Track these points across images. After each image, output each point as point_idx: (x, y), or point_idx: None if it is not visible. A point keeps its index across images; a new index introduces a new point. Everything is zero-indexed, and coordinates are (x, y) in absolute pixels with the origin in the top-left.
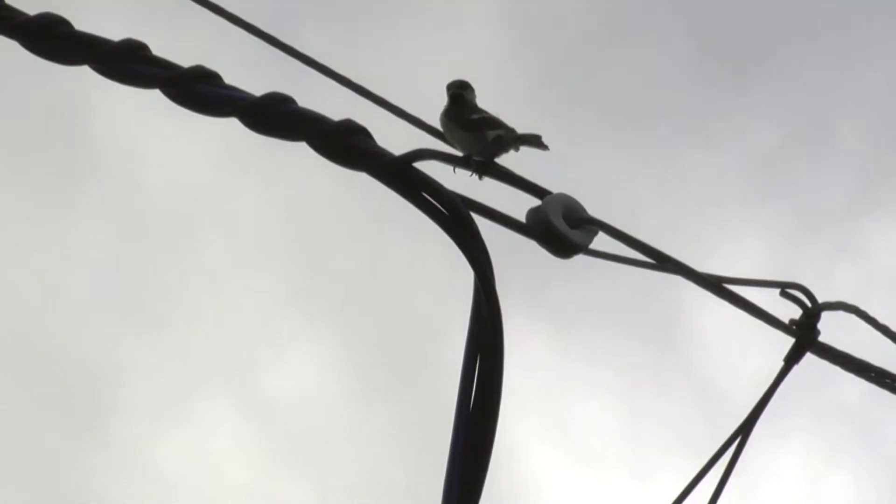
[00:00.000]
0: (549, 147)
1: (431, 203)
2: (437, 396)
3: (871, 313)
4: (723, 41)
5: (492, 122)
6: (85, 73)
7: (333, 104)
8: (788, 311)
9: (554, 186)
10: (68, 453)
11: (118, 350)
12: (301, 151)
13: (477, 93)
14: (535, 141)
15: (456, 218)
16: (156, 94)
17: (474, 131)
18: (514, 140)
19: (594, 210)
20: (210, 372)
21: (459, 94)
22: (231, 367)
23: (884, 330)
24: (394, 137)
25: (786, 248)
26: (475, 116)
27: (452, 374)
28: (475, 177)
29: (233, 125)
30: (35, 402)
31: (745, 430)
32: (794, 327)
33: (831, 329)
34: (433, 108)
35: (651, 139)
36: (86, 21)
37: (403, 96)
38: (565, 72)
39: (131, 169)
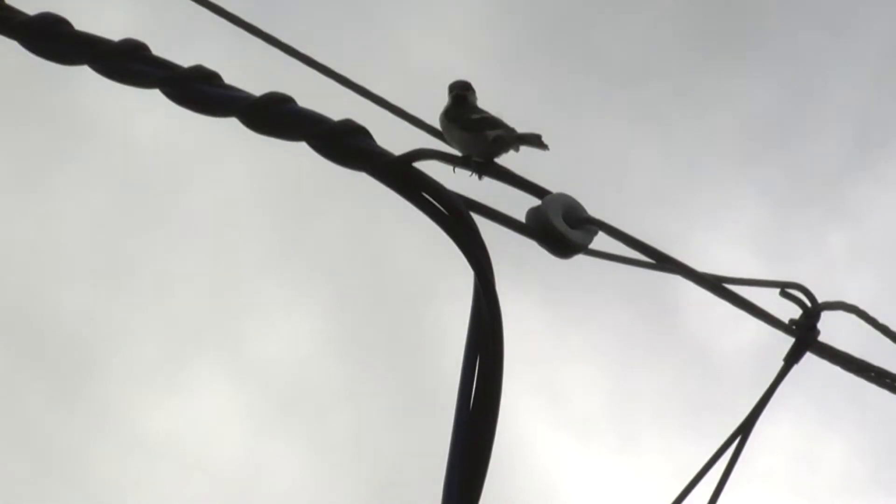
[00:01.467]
0: (549, 147)
1: (431, 203)
2: (427, 359)
3: (867, 291)
4: (714, 6)
5: (492, 123)
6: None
7: (333, 104)
8: (788, 311)
9: (554, 186)
10: (55, 416)
11: (106, 313)
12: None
13: (472, 55)
14: (535, 141)
15: (456, 218)
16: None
17: (474, 131)
18: (514, 140)
19: (592, 202)
20: (199, 335)
21: (462, 95)
22: (220, 331)
23: (884, 330)
24: (394, 137)
25: (778, 213)
26: (475, 116)
27: (442, 337)
28: (475, 177)
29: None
30: (22, 365)
31: (745, 430)
32: (794, 327)
33: (831, 329)
34: (422, 65)
35: (643, 104)
36: (85, 21)
37: (403, 95)
38: (557, 36)
39: (124, 131)
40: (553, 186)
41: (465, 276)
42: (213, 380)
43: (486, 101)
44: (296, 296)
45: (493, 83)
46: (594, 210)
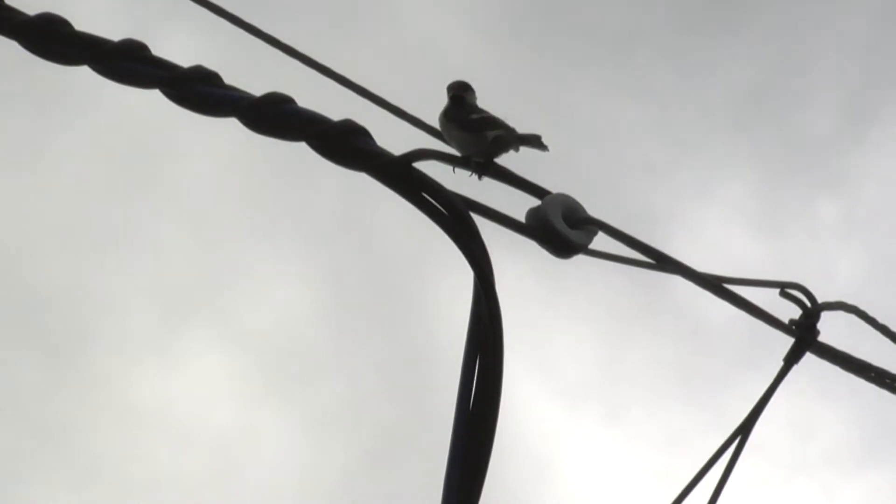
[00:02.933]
0: (549, 148)
1: (431, 203)
2: (419, 327)
3: (858, 260)
4: None
5: (491, 123)
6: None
7: (333, 104)
8: (788, 311)
9: (554, 186)
10: (48, 387)
11: (98, 284)
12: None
13: (466, 37)
14: (534, 141)
15: (456, 218)
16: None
17: (474, 132)
18: (514, 140)
19: (592, 201)
20: (191, 305)
21: (459, 95)
22: (212, 301)
23: (883, 330)
24: (394, 137)
25: (769, 183)
26: (474, 117)
27: (434, 306)
28: (475, 177)
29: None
30: (11, 333)
31: (744, 430)
32: (794, 327)
33: (831, 329)
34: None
35: (632, 74)
36: (85, 21)
37: (403, 95)
38: (547, 6)
39: (112, 98)
40: (553, 186)
41: (457, 253)
42: (206, 349)
43: (481, 79)
44: (288, 265)
45: (484, 59)
46: (593, 209)
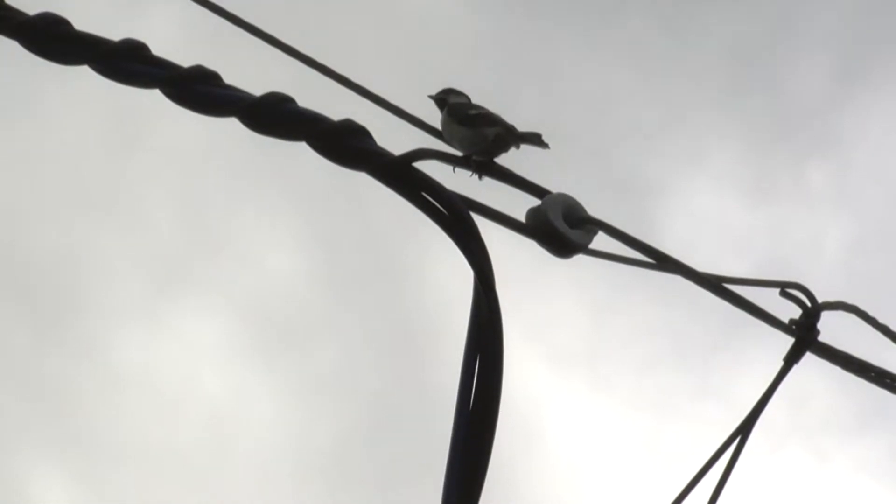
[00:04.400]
0: (550, 146)
1: (431, 203)
2: (412, 296)
3: (850, 230)
4: None
5: (490, 120)
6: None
7: (333, 104)
8: (788, 311)
9: (554, 186)
10: (39, 352)
11: (85, 246)
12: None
13: (462, 25)
14: (535, 139)
15: (456, 218)
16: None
17: (472, 127)
18: (515, 139)
19: (591, 199)
20: (182, 270)
21: (441, 98)
22: (203, 266)
23: (884, 330)
24: (394, 137)
25: (759, 149)
26: (472, 112)
27: (426, 276)
28: (475, 177)
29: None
30: (5, 301)
31: (744, 430)
32: (794, 327)
33: (831, 329)
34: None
35: (622, 38)
36: (86, 21)
37: (403, 95)
38: None
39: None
40: (553, 185)
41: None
42: (196, 316)
43: (476, 54)
44: (279, 230)
45: (477, 32)
46: (583, 183)
